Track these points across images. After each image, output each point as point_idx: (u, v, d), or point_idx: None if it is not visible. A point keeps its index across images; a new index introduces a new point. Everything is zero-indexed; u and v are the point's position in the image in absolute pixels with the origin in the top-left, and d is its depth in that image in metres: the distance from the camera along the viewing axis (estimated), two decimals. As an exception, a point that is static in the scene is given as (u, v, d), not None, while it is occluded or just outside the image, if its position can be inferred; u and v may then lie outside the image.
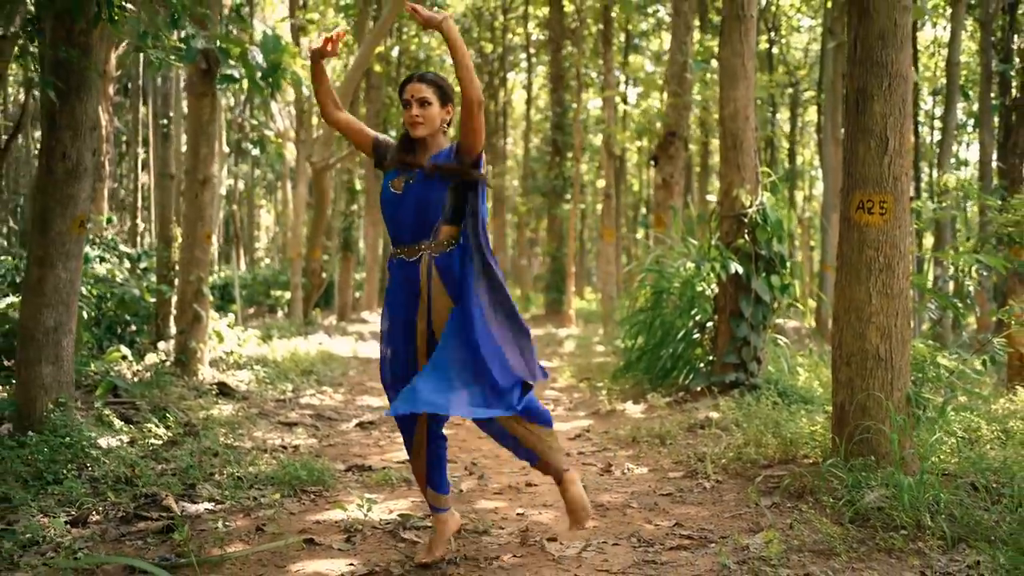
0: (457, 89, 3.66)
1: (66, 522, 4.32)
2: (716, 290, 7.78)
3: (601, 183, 21.89)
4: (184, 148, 10.26)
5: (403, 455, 6.04)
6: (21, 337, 5.72)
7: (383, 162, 3.85)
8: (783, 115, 22.51)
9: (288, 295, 18.85)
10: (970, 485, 4.38)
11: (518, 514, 4.61)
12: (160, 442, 5.93)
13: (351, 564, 3.80)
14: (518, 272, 29.38)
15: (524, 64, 28.26)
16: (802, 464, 5.07)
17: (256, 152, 11.11)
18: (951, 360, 5.44)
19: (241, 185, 32.76)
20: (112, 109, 14.94)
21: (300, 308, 15.48)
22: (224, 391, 7.96)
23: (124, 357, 8.90)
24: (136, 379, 8.16)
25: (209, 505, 4.73)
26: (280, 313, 18.97)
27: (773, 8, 17.66)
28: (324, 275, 17.90)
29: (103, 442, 5.74)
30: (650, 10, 16.84)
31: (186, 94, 10.17)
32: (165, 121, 10.92)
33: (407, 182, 3.70)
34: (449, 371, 3.53)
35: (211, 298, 9.33)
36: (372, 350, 13.00)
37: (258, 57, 8.18)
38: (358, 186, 19.78)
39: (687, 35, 10.13)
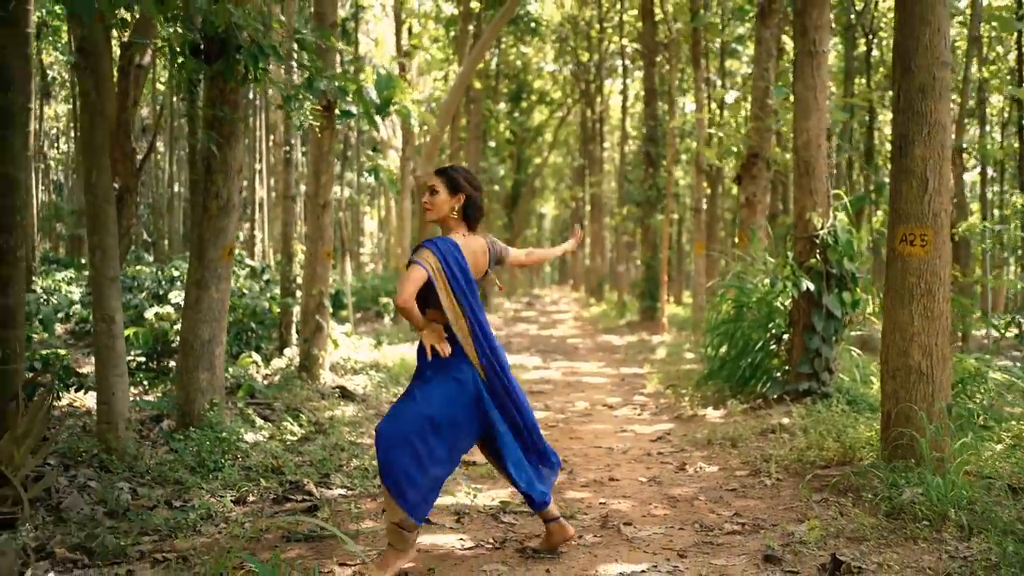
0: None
1: (232, 501, 5.31)
2: (791, 305, 8.40)
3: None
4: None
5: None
6: (182, 347, 6.78)
7: None
8: (884, 117, 22.64)
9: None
10: (1008, 487, 4.98)
11: (600, 503, 5.38)
12: (295, 438, 6.92)
13: (461, 539, 4.66)
14: (616, 277, 30.05)
15: (620, 71, 28.86)
16: (857, 466, 5.72)
17: (371, 180, 12.01)
18: (1002, 374, 6.02)
19: (347, 192, 34.24)
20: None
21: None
22: (345, 394, 8.95)
23: (255, 363, 10.00)
24: (266, 383, 9.22)
25: (342, 491, 5.66)
26: (387, 319, 20.05)
27: (872, 12, 17.91)
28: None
29: (249, 437, 6.76)
30: (740, 31, 17.34)
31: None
32: (287, 148, 12.03)
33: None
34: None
35: (331, 309, 10.34)
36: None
37: (372, 94, 9.17)
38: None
39: (768, 61, 10.74)
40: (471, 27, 20.92)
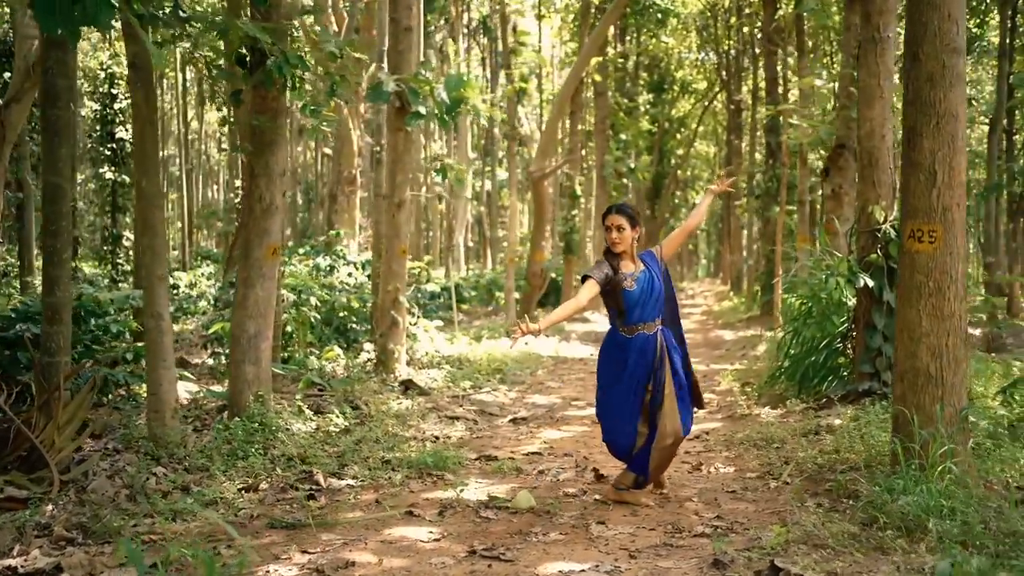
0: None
1: (241, 488, 5.65)
2: (855, 303, 8.11)
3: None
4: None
5: (530, 448, 7.00)
6: (231, 342, 7.21)
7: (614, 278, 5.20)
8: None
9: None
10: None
11: (594, 499, 5.40)
12: (337, 429, 7.23)
13: (431, 532, 4.81)
14: (750, 271, 29.34)
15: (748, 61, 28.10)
16: (864, 471, 5.52)
17: (437, 178, 12.27)
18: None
19: (488, 185, 34.77)
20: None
21: (513, 309, 16.73)
22: (409, 387, 9.23)
23: (338, 356, 10.43)
24: (345, 375, 9.62)
25: (351, 481, 5.90)
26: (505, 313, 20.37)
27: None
28: (544, 277, 19.03)
29: (296, 427, 7.12)
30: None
31: (385, 129, 11.60)
32: (378, 148, 12.44)
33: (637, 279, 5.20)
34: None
35: (407, 304, 10.65)
36: (572, 350, 14.00)
37: (443, 94, 9.40)
38: (578, 191, 20.78)
39: (856, 49, 10.29)
40: (591, 21, 20.87)
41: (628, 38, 29.99)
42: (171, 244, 34.35)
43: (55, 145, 5.90)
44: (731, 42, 30.56)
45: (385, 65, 10.49)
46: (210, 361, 10.62)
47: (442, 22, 29.48)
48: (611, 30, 28.11)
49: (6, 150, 13.00)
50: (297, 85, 6.68)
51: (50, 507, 5.18)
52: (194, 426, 7.36)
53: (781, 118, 17.57)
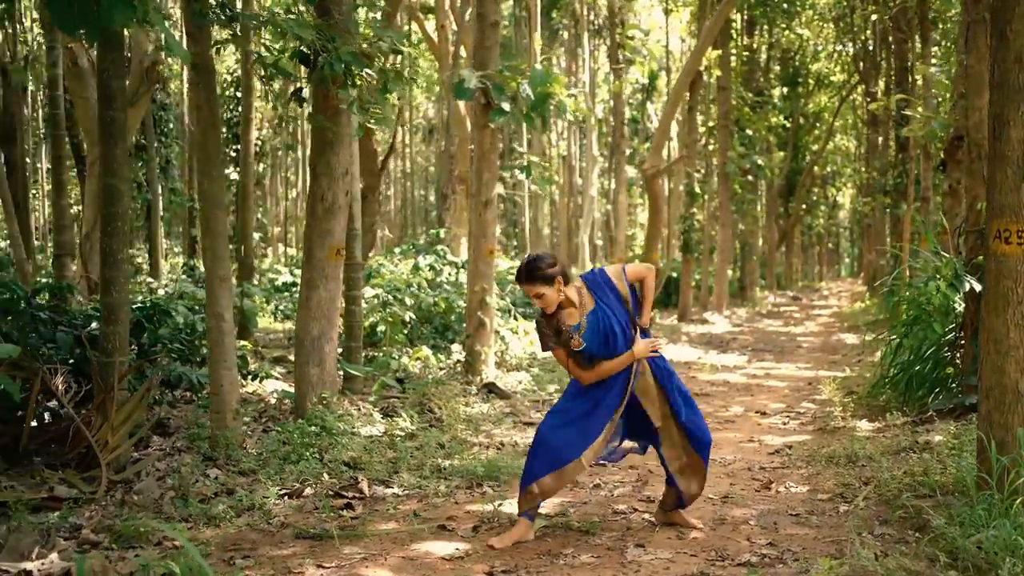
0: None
1: (284, 494, 5.55)
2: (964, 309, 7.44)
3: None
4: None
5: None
6: (295, 344, 7.15)
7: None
8: None
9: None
10: None
11: (642, 519, 5.04)
12: (402, 434, 7.07)
13: (457, 548, 4.56)
14: (879, 271, 27.89)
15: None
16: (943, 499, 4.97)
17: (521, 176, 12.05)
18: None
19: (614, 183, 34.27)
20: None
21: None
22: (492, 390, 9.01)
23: (427, 356, 10.32)
24: (430, 377, 9.48)
25: (398, 490, 5.72)
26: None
27: None
28: (660, 277, 18.52)
29: (363, 431, 7.01)
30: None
31: (470, 126, 11.42)
32: (472, 148, 12.28)
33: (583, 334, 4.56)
34: None
35: (496, 305, 10.43)
36: (679, 353, 13.51)
37: (528, 90, 9.15)
38: (697, 189, 20.16)
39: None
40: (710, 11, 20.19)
41: (757, 31, 29.03)
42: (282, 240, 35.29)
43: (111, 146, 5.94)
44: (868, 32, 29.15)
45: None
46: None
47: (569, 20, 29.28)
48: (738, 22, 27.32)
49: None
50: (358, 83, 6.54)
51: (91, 508, 5.20)
52: (264, 427, 7.35)
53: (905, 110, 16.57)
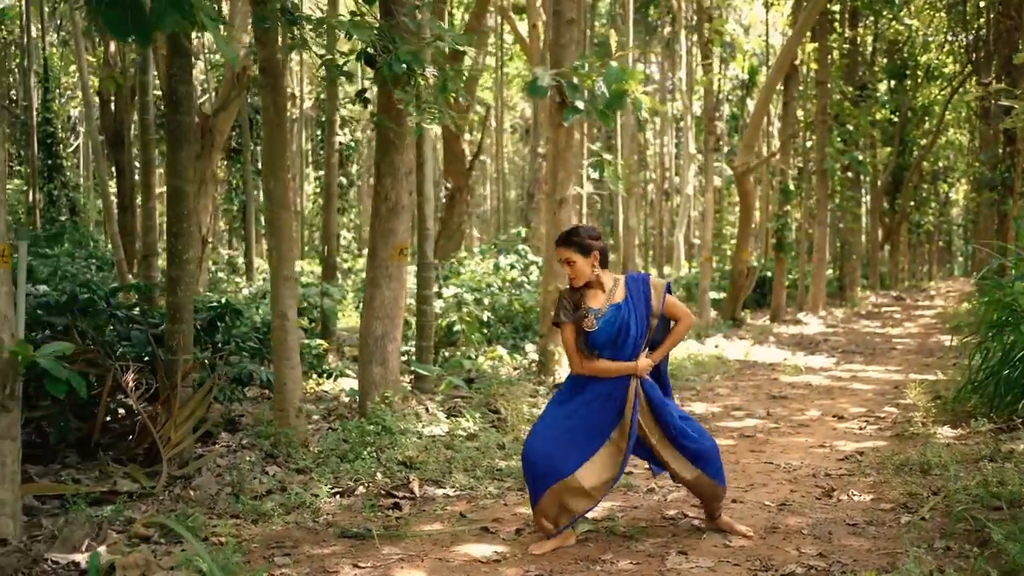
0: None
1: (336, 493, 5.59)
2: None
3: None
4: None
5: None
6: (360, 343, 7.21)
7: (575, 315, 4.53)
8: None
9: (717, 296, 19.46)
10: None
11: (691, 526, 4.91)
12: (464, 434, 7.05)
13: (496, 551, 4.51)
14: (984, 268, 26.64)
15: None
16: (1014, 512, 4.69)
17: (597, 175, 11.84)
18: None
19: (717, 181, 33.61)
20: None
21: (708, 310, 16.02)
22: (562, 391, 8.92)
23: (500, 356, 10.31)
24: (504, 377, 9.46)
25: (449, 491, 5.70)
26: (713, 313, 19.58)
27: None
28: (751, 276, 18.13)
29: (427, 430, 7.03)
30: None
31: (545, 125, 11.34)
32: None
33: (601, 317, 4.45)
34: None
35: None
36: (765, 354, 13.19)
37: (603, 88, 9.04)
38: (791, 186, 19.64)
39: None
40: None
41: (862, 22, 28.13)
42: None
43: (176, 149, 6.09)
44: (981, 20, 27.91)
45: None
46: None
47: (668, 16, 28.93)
48: (839, 14, 26.51)
49: (216, 154, 13.87)
50: (417, 82, 6.55)
51: (147, 502, 5.34)
52: (331, 425, 7.43)
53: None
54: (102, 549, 4.44)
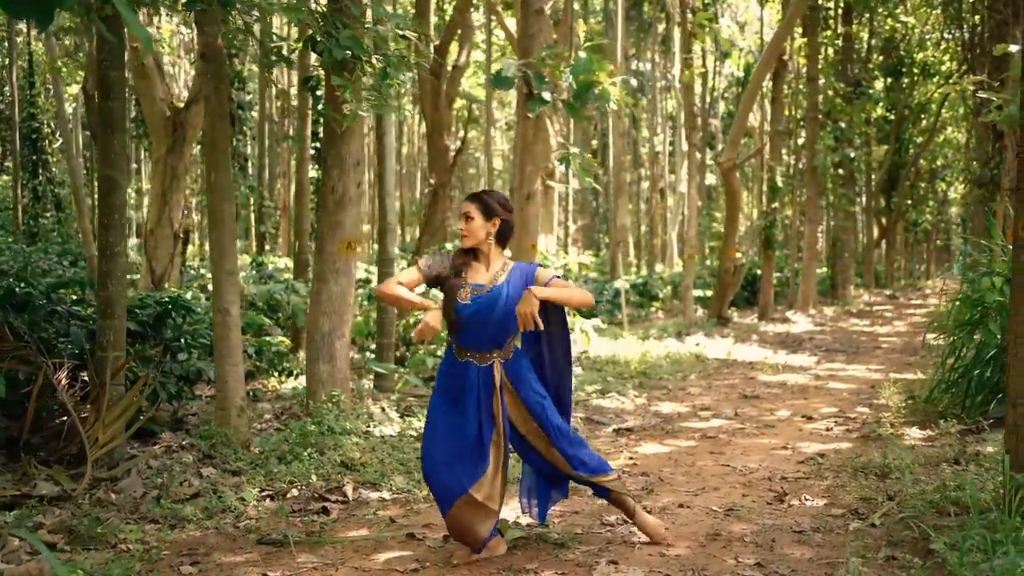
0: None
1: (266, 496, 5.35)
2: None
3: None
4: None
5: (615, 464, 6.27)
6: (306, 340, 6.96)
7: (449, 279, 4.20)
8: None
9: (706, 293, 19.20)
10: None
11: (626, 533, 4.66)
12: (415, 434, 6.80)
13: (417, 561, 4.26)
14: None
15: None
16: (960, 520, 4.44)
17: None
18: None
19: (711, 179, 33.38)
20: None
21: (691, 308, 15.77)
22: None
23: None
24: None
25: (385, 494, 5.46)
26: (700, 312, 19.30)
27: None
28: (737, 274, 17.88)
29: (378, 431, 6.79)
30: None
31: (515, 117, 11.07)
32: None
33: (477, 296, 4.13)
34: None
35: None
36: (746, 353, 12.93)
37: (569, 79, 8.80)
38: (779, 183, 19.37)
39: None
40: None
41: (856, 19, 27.84)
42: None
43: (109, 137, 5.84)
44: (977, 18, 27.60)
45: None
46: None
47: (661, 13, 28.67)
48: (832, 10, 26.24)
49: (188, 149, 13.61)
50: (363, 70, 6.29)
51: (63, 506, 5.09)
52: (281, 425, 7.19)
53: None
54: (-4, 557, 4.21)
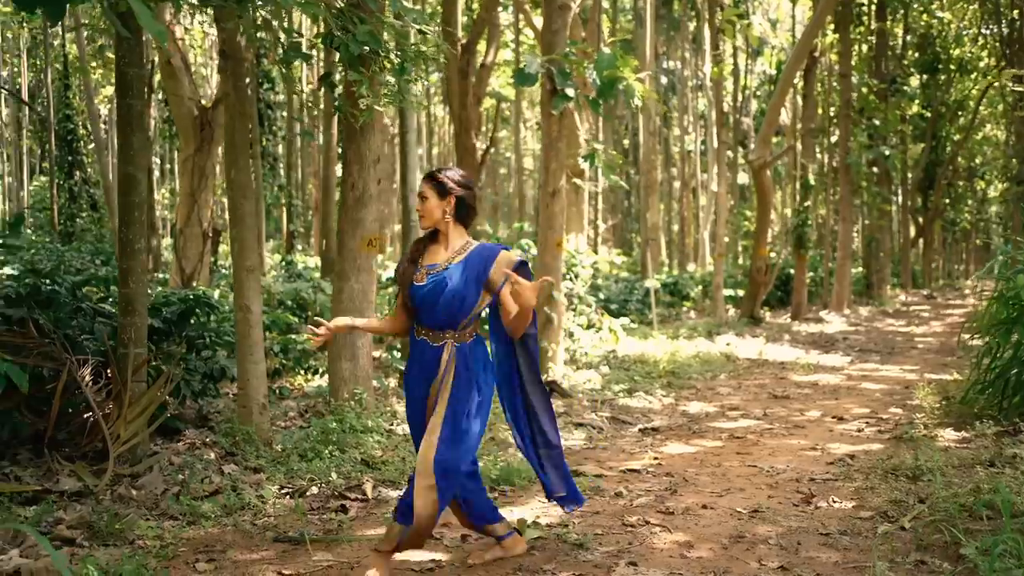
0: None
1: (285, 493, 5.31)
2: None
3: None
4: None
5: (635, 464, 6.19)
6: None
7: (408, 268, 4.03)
8: None
9: (738, 293, 19.00)
10: None
11: (651, 532, 4.57)
12: (437, 432, 6.73)
13: (435, 559, 4.20)
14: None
15: None
16: (994, 524, 4.30)
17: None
18: None
19: (744, 177, 33.05)
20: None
21: (721, 307, 15.60)
22: (553, 389, 8.55)
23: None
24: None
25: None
26: (732, 311, 19.10)
27: None
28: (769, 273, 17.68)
29: (402, 429, 6.74)
30: None
31: (540, 114, 10.99)
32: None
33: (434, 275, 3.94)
34: None
35: (564, 301, 10.00)
36: (778, 352, 12.76)
37: (593, 75, 8.70)
38: (811, 180, 19.12)
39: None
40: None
41: (891, 15, 27.45)
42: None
43: (128, 135, 5.84)
44: (1016, 13, 27.12)
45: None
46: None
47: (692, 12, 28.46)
48: (865, 6, 25.87)
49: (215, 148, 13.67)
50: (385, 66, 6.24)
51: (84, 502, 5.08)
52: (303, 423, 7.16)
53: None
54: (14, 552, 4.20)
